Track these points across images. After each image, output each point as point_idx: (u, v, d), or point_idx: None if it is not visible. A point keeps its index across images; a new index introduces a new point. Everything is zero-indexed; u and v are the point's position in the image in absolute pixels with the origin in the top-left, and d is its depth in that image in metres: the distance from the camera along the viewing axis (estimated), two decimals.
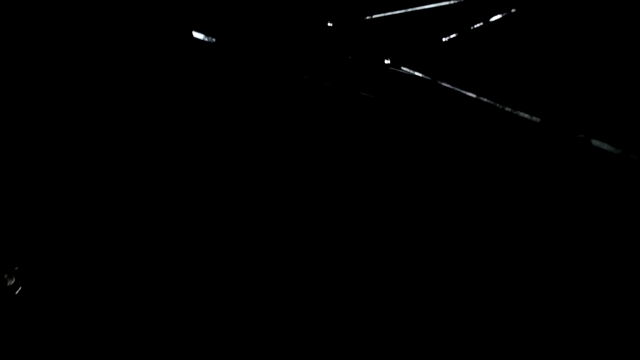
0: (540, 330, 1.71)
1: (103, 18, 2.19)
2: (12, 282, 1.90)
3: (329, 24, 2.21)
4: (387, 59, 2.21)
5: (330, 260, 1.87)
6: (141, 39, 2.25)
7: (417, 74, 2.21)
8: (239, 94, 2.26)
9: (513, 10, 2.17)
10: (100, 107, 2.20)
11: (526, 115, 2.22)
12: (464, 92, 2.19)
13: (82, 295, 1.84)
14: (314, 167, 2.08)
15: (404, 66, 2.20)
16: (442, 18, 2.25)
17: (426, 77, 2.21)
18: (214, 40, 2.40)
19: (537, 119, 2.22)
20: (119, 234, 1.97)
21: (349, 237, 1.91)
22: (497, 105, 2.19)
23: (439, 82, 2.20)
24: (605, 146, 2.06)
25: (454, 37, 2.20)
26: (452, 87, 2.20)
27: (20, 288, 1.88)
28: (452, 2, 2.24)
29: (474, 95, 2.21)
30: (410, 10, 2.21)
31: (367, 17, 2.21)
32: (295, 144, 2.12)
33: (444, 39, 2.19)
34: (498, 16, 2.17)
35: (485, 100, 2.20)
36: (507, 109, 2.25)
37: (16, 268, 1.92)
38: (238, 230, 1.95)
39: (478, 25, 2.17)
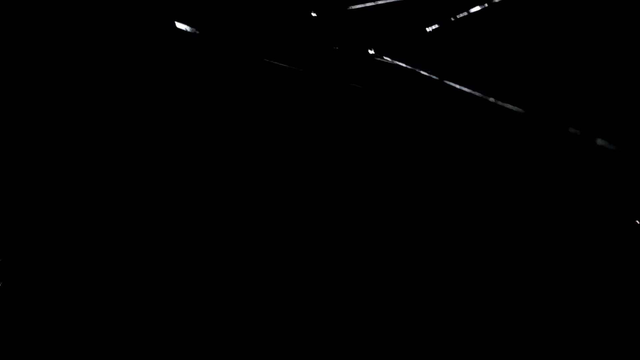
0: (539, 329, 1.72)
1: (78, 8, 2.16)
2: None
3: (313, 14, 2.21)
4: (371, 49, 2.21)
5: (320, 252, 1.87)
6: (120, 30, 2.22)
7: (400, 64, 2.21)
8: (224, 86, 2.24)
9: (496, 0, 2.18)
10: (75, 104, 2.17)
11: (511, 107, 2.23)
12: (448, 82, 2.20)
13: (71, 291, 1.82)
14: (301, 157, 2.07)
15: (388, 56, 2.20)
16: (426, 8, 2.26)
17: (410, 67, 2.21)
18: (197, 31, 2.38)
19: (522, 110, 2.23)
20: (105, 228, 1.95)
21: (339, 229, 1.91)
22: (481, 96, 2.20)
23: (423, 72, 2.21)
24: (599, 141, 2.08)
25: (437, 28, 2.20)
26: (436, 78, 2.21)
27: (0, 283, 1.85)
28: None
29: (458, 86, 2.22)
30: (393, 0, 2.22)
31: (351, 7, 2.21)
32: (281, 135, 2.12)
33: (427, 29, 2.19)
34: (478, 7, 2.18)
35: (469, 91, 2.21)
36: (492, 99, 2.26)
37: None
38: (225, 227, 1.94)
39: (461, 15, 2.18)
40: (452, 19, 2.18)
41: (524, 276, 1.80)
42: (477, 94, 2.22)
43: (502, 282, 1.79)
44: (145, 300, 1.77)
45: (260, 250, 1.87)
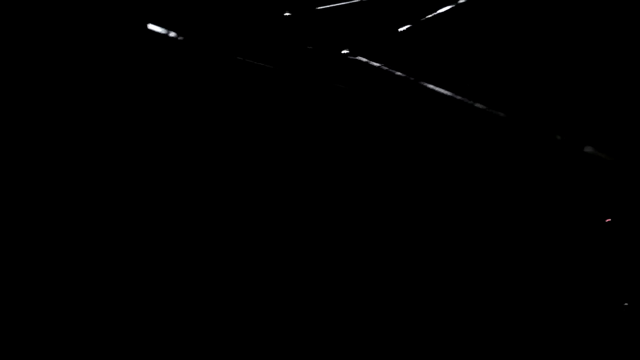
0: (530, 330, 1.71)
1: (44, 9, 2.13)
2: None
3: (286, 14, 2.22)
4: (344, 49, 2.23)
5: (296, 251, 1.83)
6: (89, 33, 2.20)
7: (375, 64, 2.23)
8: (202, 89, 2.23)
9: (461, 1, 2.22)
10: (48, 107, 2.12)
11: (491, 110, 2.24)
12: (422, 83, 2.22)
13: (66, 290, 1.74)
14: (276, 156, 2.05)
15: (362, 56, 2.22)
16: (398, 8, 2.29)
17: (385, 68, 2.23)
18: (172, 34, 2.36)
19: (503, 114, 2.24)
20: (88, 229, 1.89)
21: (314, 228, 1.88)
22: (460, 98, 2.22)
23: (396, 72, 2.22)
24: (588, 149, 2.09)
25: (410, 27, 2.23)
26: (409, 77, 2.23)
27: None
28: None
29: (435, 88, 2.23)
30: None
31: (323, 7, 2.24)
32: (255, 133, 2.10)
33: (399, 29, 2.22)
34: (448, 7, 2.22)
35: (447, 93, 2.23)
36: (470, 102, 2.28)
37: None
38: (199, 228, 1.90)
39: (431, 15, 2.22)
40: (422, 19, 2.21)
41: (506, 278, 1.78)
42: (456, 96, 2.23)
43: (481, 284, 1.77)
44: (144, 299, 1.71)
45: (240, 249, 1.83)
